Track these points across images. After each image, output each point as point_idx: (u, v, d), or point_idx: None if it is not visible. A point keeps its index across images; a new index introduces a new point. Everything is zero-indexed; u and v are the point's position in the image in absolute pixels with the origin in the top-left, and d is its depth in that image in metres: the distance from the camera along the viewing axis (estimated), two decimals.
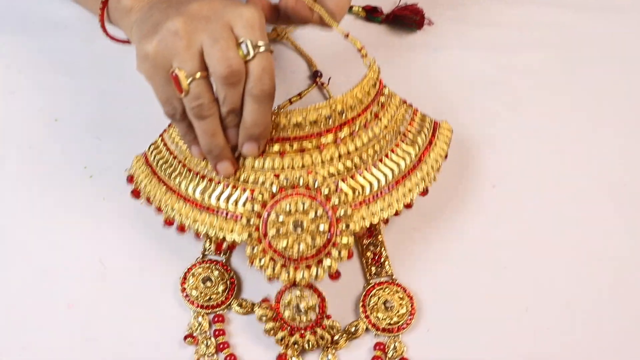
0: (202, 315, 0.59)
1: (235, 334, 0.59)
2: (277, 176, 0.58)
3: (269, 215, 0.57)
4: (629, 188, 0.68)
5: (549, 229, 0.66)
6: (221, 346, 0.57)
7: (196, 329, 0.58)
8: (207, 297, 0.59)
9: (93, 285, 0.61)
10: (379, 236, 0.63)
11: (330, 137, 0.60)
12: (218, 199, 0.59)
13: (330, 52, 0.75)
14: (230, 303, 0.59)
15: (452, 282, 0.62)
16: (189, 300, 0.59)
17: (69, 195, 0.65)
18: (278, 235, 0.57)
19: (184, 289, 0.59)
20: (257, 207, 0.57)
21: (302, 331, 0.58)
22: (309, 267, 0.57)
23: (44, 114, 0.69)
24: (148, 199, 0.61)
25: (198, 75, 0.54)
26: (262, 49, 0.55)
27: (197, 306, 0.59)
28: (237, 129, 0.57)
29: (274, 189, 0.58)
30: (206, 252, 0.62)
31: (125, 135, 0.66)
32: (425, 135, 0.64)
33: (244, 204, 0.58)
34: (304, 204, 0.57)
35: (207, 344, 0.58)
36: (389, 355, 0.58)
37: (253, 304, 0.59)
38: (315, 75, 0.72)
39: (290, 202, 0.57)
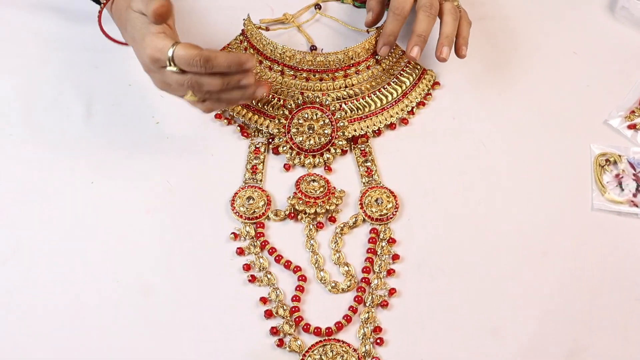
0: (249, 225, 0.80)
1: (273, 236, 0.80)
2: (302, 93, 0.85)
3: (292, 118, 0.83)
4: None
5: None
6: (264, 244, 0.79)
7: (245, 235, 0.80)
8: (252, 211, 0.81)
9: (164, 199, 0.81)
10: (371, 155, 0.85)
11: (341, 73, 0.86)
12: (262, 104, 0.85)
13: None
14: (268, 214, 0.82)
15: (427, 185, 0.84)
16: (237, 215, 0.81)
17: (142, 136, 0.86)
18: (297, 132, 0.83)
19: (233, 207, 0.81)
20: (286, 112, 0.84)
21: (317, 200, 0.80)
22: (314, 156, 0.83)
23: (120, 81, 0.90)
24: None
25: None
26: (172, 53, 0.73)
27: (245, 218, 0.80)
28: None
29: (299, 102, 0.84)
30: (246, 181, 0.84)
31: None
32: (413, 78, 0.88)
33: (278, 109, 0.85)
34: (316, 114, 0.84)
35: (254, 244, 0.79)
36: (381, 237, 0.80)
37: (285, 213, 0.81)
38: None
39: (308, 112, 0.84)
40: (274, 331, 0.73)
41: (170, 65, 0.73)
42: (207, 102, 0.77)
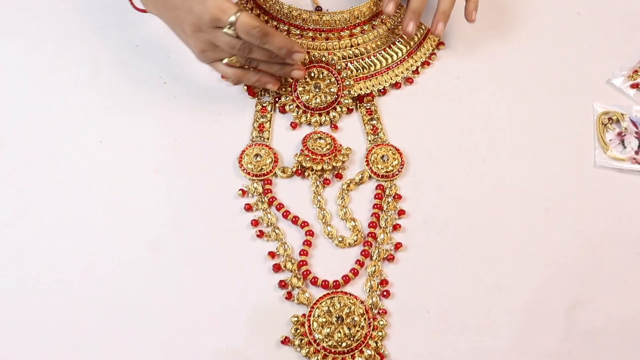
0: (256, 182, 0.82)
1: (281, 192, 0.81)
2: (308, 52, 0.85)
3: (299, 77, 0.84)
4: None
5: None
6: (271, 200, 0.81)
7: (253, 192, 0.81)
8: (259, 168, 0.82)
9: (172, 157, 0.82)
10: (376, 114, 0.86)
11: (347, 32, 0.87)
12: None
13: None
14: (275, 171, 0.83)
15: (431, 143, 0.85)
16: (245, 172, 0.82)
17: (150, 96, 0.87)
18: (303, 91, 0.84)
19: (241, 165, 0.82)
20: None
21: (323, 157, 0.81)
22: (320, 115, 0.84)
23: (127, 42, 0.91)
24: None
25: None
26: (236, 19, 0.75)
27: (252, 175, 0.81)
28: None
29: (306, 60, 0.84)
30: (254, 139, 0.84)
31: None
32: (417, 38, 0.88)
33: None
34: (323, 72, 0.84)
35: (261, 200, 0.81)
36: (387, 193, 0.81)
37: (292, 170, 0.82)
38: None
39: (314, 71, 0.84)
40: (282, 284, 0.75)
41: (228, 28, 0.76)
42: (241, 71, 0.82)
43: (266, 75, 0.84)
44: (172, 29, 0.83)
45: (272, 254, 0.77)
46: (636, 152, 0.84)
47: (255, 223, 0.79)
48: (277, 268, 0.76)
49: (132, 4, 0.87)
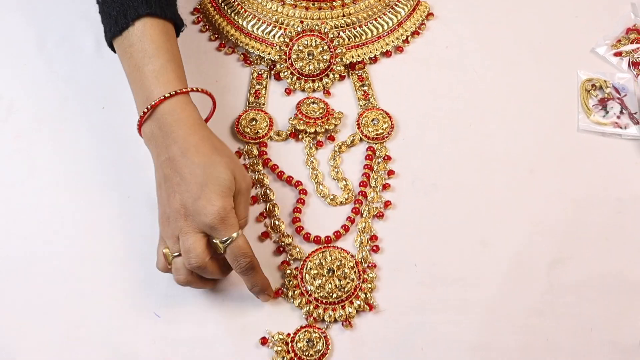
0: (252, 145, 0.85)
1: (275, 155, 0.85)
2: (302, 22, 0.88)
3: (293, 45, 0.87)
4: None
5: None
6: (266, 162, 0.84)
7: (250, 154, 0.84)
8: (255, 132, 0.86)
9: None
10: (368, 80, 0.90)
11: (339, 2, 0.90)
12: (263, 32, 0.88)
13: None
14: (271, 135, 0.86)
15: (421, 108, 0.88)
16: (242, 135, 0.85)
17: None
18: (297, 58, 0.87)
19: (238, 129, 0.85)
20: (286, 40, 0.87)
21: (317, 120, 0.84)
22: (314, 81, 0.87)
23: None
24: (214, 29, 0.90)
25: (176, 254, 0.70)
26: (230, 240, 0.69)
27: (248, 139, 0.85)
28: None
29: (299, 29, 0.87)
30: (250, 104, 0.88)
31: (187, 22, 0.89)
32: (408, 9, 0.92)
33: (279, 37, 0.88)
34: (316, 41, 0.87)
35: (256, 161, 0.83)
36: (377, 155, 0.85)
37: (287, 133, 0.85)
38: None
39: (307, 39, 0.87)
40: (265, 235, 0.79)
41: (222, 242, 0.70)
42: (191, 276, 0.72)
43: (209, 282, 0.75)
44: (160, 183, 0.73)
45: (262, 215, 0.80)
46: (618, 117, 0.87)
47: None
48: (265, 235, 0.79)
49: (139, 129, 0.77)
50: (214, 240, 0.70)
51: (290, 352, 0.72)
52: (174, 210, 0.70)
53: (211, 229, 0.69)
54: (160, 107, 0.73)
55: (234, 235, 0.70)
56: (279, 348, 0.72)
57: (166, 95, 0.73)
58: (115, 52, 0.79)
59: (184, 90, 0.74)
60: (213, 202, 0.69)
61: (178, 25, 0.80)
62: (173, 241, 0.71)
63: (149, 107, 0.73)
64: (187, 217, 0.70)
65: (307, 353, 0.72)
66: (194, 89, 0.76)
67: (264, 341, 0.73)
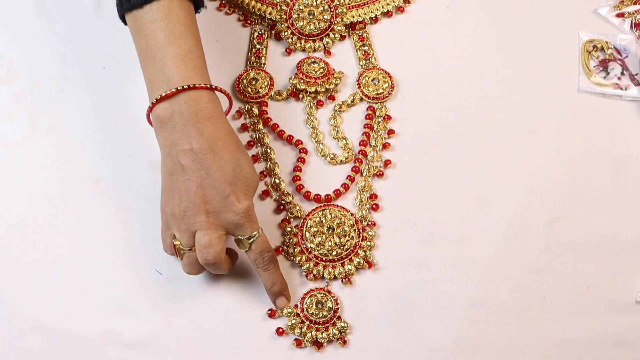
0: (253, 105, 0.85)
1: (276, 114, 0.85)
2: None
3: (294, 5, 0.87)
4: None
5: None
6: (267, 121, 0.84)
7: (250, 114, 0.84)
8: (256, 90, 0.85)
9: None
10: (368, 40, 0.89)
11: None
12: None
13: None
14: (271, 94, 0.86)
15: (421, 68, 0.88)
16: (242, 95, 0.85)
17: None
18: (298, 18, 0.87)
19: (239, 88, 0.85)
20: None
21: (317, 80, 0.84)
22: (314, 41, 0.87)
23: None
24: None
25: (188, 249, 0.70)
26: (257, 236, 0.71)
27: (249, 98, 0.85)
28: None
29: None
30: (250, 64, 0.87)
31: None
32: None
33: None
34: (316, 0, 0.87)
35: (256, 121, 0.84)
36: (377, 114, 0.85)
37: (287, 93, 0.85)
38: None
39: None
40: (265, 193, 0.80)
41: (247, 238, 0.71)
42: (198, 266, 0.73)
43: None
44: (173, 172, 0.71)
45: (262, 174, 0.81)
46: (619, 78, 0.87)
47: (249, 145, 0.83)
48: (265, 194, 0.80)
49: (148, 117, 0.76)
50: (239, 237, 0.71)
51: (306, 321, 0.73)
52: (194, 204, 0.69)
53: (236, 226, 0.70)
54: (187, 93, 0.71)
55: (257, 232, 0.71)
56: (293, 321, 0.73)
57: (198, 85, 0.71)
58: (125, 23, 0.76)
59: (218, 88, 0.74)
60: (241, 201, 0.70)
61: (197, 5, 0.78)
62: (188, 235, 0.70)
63: (176, 89, 0.70)
64: (210, 213, 0.70)
65: (320, 315, 0.73)
66: (217, 88, 0.74)
67: (272, 314, 0.74)
